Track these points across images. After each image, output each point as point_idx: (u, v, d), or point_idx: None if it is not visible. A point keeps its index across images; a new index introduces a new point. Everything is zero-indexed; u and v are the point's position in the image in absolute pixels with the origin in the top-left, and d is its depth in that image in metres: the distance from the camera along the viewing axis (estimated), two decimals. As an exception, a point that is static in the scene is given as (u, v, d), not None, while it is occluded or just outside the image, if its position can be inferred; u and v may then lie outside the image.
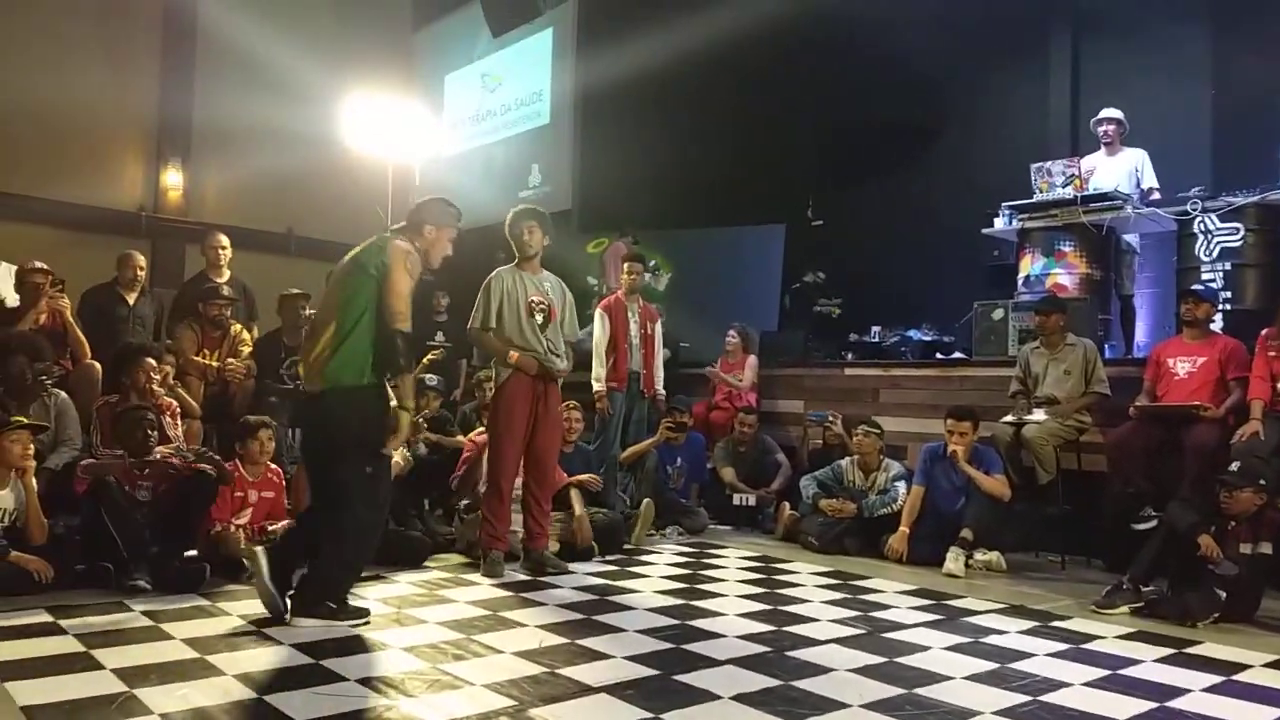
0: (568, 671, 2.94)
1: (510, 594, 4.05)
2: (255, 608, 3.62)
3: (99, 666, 2.84)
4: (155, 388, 4.92)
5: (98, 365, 5.24)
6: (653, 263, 9.05)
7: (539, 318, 4.63)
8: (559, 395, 4.77)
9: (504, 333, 4.60)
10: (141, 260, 6.19)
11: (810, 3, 8.39)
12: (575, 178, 9.46)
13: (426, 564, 4.60)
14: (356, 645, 3.19)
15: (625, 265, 6.22)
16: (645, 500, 5.62)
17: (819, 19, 8.57)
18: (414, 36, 11.60)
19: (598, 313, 6.03)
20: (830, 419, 6.29)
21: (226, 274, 6.43)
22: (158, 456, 4.25)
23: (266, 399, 5.69)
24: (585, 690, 2.77)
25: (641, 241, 8.76)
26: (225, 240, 6.51)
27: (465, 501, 5.07)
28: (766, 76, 9.16)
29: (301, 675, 2.84)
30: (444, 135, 10.62)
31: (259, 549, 3.48)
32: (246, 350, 5.93)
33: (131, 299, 6.09)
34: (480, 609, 3.73)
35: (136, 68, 9.66)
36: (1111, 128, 6.66)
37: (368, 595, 3.90)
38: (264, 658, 3.00)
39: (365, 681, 2.80)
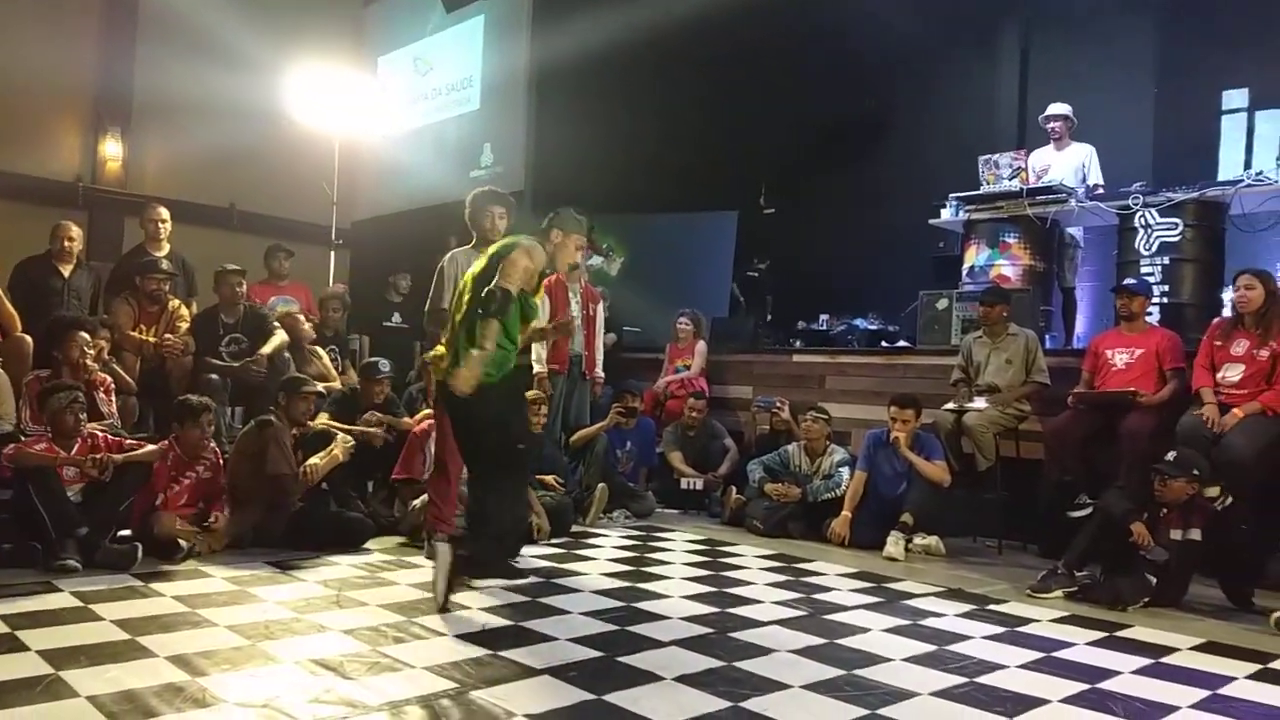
0: (510, 653, 2.92)
1: (454, 576, 4.01)
2: (188, 588, 3.55)
3: (25, 648, 2.76)
4: (89, 363, 4.78)
5: (29, 339, 5.07)
6: (605, 246, 9.02)
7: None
8: None
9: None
10: (74, 230, 5.99)
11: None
12: (529, 158, 9.36)
13: (368, 546, 4.54)
14: (295, 627, 3.14)
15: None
16: (600, 484, 5.63)
17: (775, 8, 8.57)
18: (364, 10, 11.38)
19: (542, 292, 5.98)
20: (778, 405, 6.34)
21: (165, 248, 6.26)
22: (86, 434, 4.12)
23: (205, 376, 5.55)
24: (528, 672, 2.76)
25: (595, 225, 8.72)
26: (165, 213, 6.33)
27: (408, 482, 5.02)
28: (722, 64, 9.14)
29: (237, 657, 2.78)
30: (394, 111, 10.44)
31: (443, 544, 3.46)
32: (184, 326, 5.79)
33: (66, 271, 5.90)
34: (423, 591, 3.69)
35: (74, 33, 9.31)
36: (1059, 124, 6.76)
37: (306, 578, 3.85)
38: (198, 640, 2.93)
39: (302, 664, 2.75)
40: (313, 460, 4.56)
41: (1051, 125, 6.79)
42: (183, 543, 4.05)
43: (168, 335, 5.66)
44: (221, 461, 4.46)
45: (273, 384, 5.10)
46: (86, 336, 4.78)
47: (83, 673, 2.56)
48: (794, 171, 9.10)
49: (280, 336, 5.89)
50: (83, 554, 3.77)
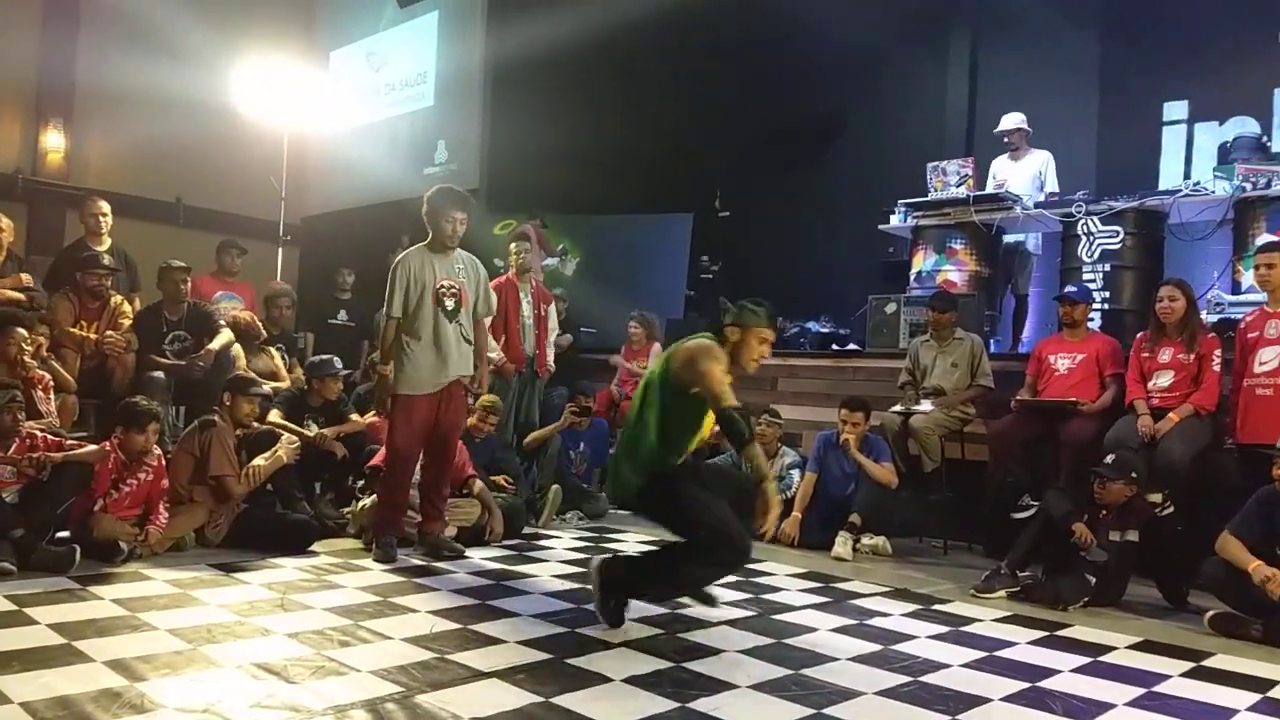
0: (459, 657, 2.90)
1: (403, 579, 3.97)
2: (128, 591, 3.47)
3: (-46, 654, 2.68)
4: (27, 360, 4.65)
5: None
6: (560, 247, 9.00)
7: (449, 303, 4.45)
8: (460, 388, 4.60)
9: (413, 322, 4.43)
10: (3, 222, 5.80)
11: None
12: (483, 156, 9.30)
13: (315, 549, 4.46)
14: (238, 631, 3.08)
15: (512, 245, 6.14)
16: (554, 485, 5.61)
17: (731, 13, 8.63)
18: (316, 4, 11.21)
19: (489, 291, 5.97)
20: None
21: (107, 242, 6.10)
22: (25, 434, 4.01)
23: (148, 374, 5.43)
24: (476, 675, 2.74)
25: (551, 225, 8.70)
26: (106, 207, 6.18)
27: (360, 483, 4.96)
28: (679, 67, 9.19)
29: (177, 662, 2.73)
30: (346, 106, 10.30)
31: (596, 567, 3.39)
32: (127, 323, 5.65)
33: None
34: (370, 595, 3.65)
35: (15, 21, 9.05)
36: (1015, 135, 6.87)
37: (250, 581, 3.78)
38: (137, 644, 2.87)
39: (245, 668, 2.70)
40: (256, 461, 4.48)
41: (1007, 139, 6.90)
42: (123, 545, 3.95)
43: (109, 332, 5.52)
44: (164, 464, 4.36)
45: (217, 383, 5.00)
46: (24, 333, 4.65)
47: (16, 679, 2.49)
48: (749, 175, 9.18)
49: (227, 334, 5.78)
50: (18, 556, 3.66)
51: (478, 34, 9.33)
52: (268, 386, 5.28)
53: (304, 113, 8.99)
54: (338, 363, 5.52)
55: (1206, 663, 3.31)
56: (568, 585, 4.01)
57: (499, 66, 9.14)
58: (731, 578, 4.35)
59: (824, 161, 9.07)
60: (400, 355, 4.45)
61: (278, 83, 8.59)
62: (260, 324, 6.22)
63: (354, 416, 5.43)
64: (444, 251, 4.52)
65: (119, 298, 5.76)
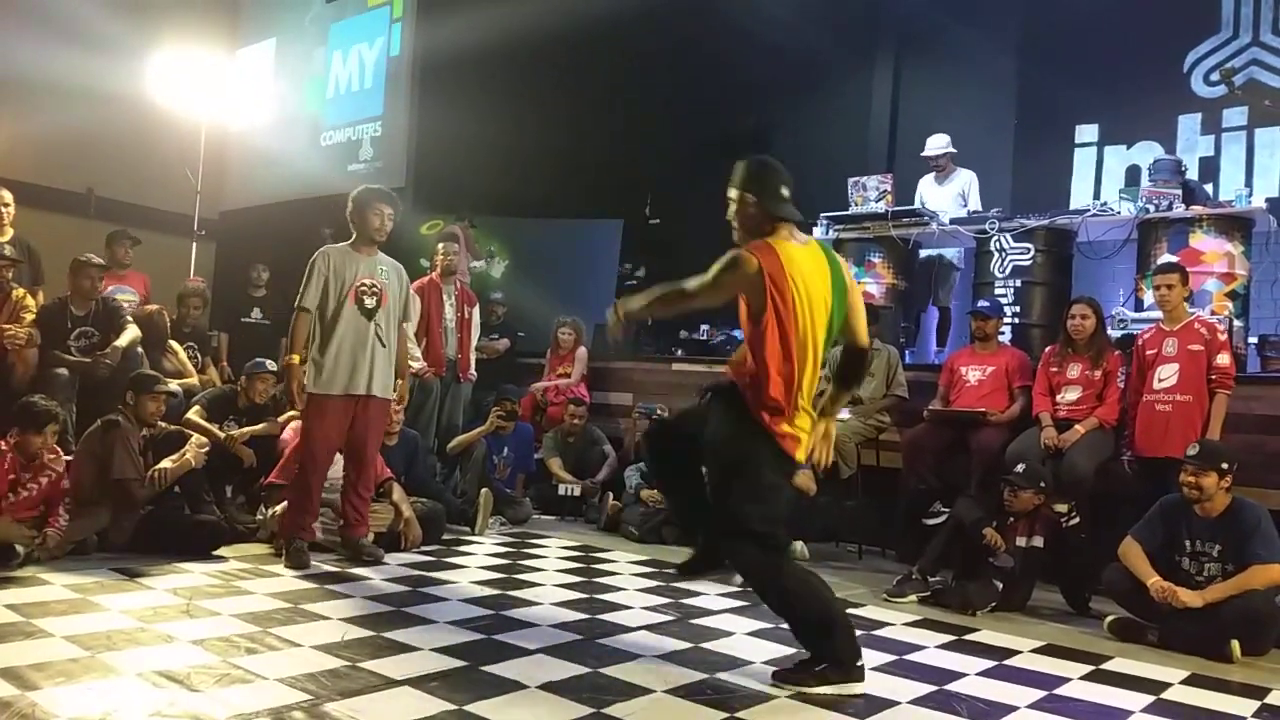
0: (370, 664, 2.85)
1: (315, 585, 3.88)
2: (24, 596, 3.33)
3: None
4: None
5: None
6: (489, 250, 8.93)
7: (369, 302, 4.39)
8: (383, 404, 4.52)
9: (330, 318, 4.34)
10: (6, 196, 5.49)
11: (659, 4, 8.49)
12: (410, 155, 9.18)
13: (224, 553, 4.33)
14: (140, 638, 2.98)
15: (440, 245, 6.06)
16: (483, 490, 5.56)
17: (662, 23, 8.69)
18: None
19: (410, 293, 5.90)
20: (659, 412, 6.40)
21: (9, 233, 5.83)
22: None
23: (52, 371, 5.21)
24: (388, 683, 2.70)
25: (479, 226, 8.62)
26: (8, 196, 5.90)
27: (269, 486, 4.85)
28: (610, 73, 9.22)
29: (73, 670, 2.62)
30: (268, 100, 10.06)
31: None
32: (30, 317, 5.40)
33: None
34: (280, 601, 3.56)
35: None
36: (942, 159, 7.01)
37: (155, 586, 3.66)
38: (31, 651, 2.75)
39: (146, 676, 2.61)
40: (163, 464, 4.33)
41: (934, 161, 7.05)
42: (19, 548, 3.77)
43: (8, 326, 5.28)
44: (65, 465, 4.17)
45: (122, 381, 4.82)
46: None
47: (-106, 690, 2.37)
48: (679, 183, 9.23)
49: (133, 330, 5.58)
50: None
51: (407, 30, 9.21)
52: (174, 384, 5.12)
53: (223, 106, 8.76)
54: (270, 364, 5.38)
55: (1105, 666, 3.44)
56: (486, 591, 3.97)
57: (426, 65, 9.04)
58: (650, 582, 4.39)
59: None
60: (313, 352, 4.35)
61: (196, 75, 8.36)
62: (167, 320, 6.04)
63: (270, 425, 5.30)
64: (368, 250, 4.47)
65: (20, 290, 5.51)
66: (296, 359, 4.34)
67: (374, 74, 9.48)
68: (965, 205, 6.83)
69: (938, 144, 7.01)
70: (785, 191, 2.97)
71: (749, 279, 2.85)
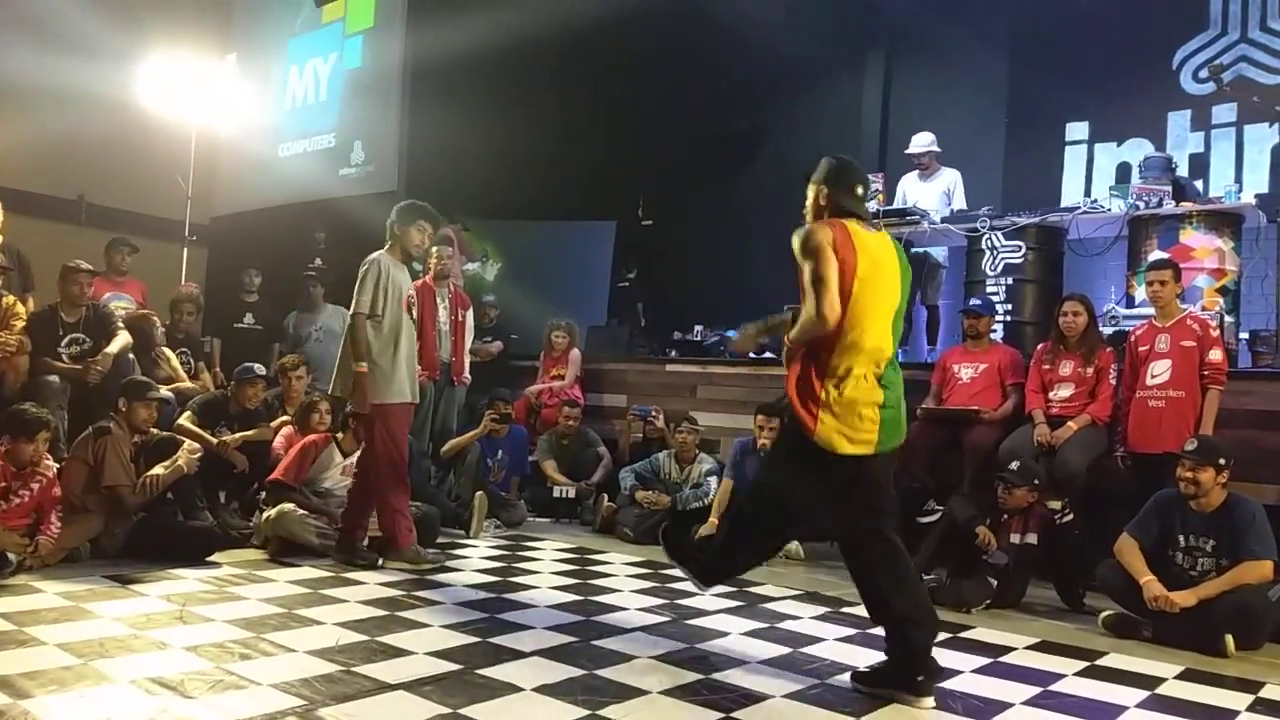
0: (365, 669, 2.84)
1: (309, 590, 3.87)
2: (16, 604, 3.32)
3: None
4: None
5: None
6: (481, 251, 8.92)
7: (413, 313, 4.58)
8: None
9: (385, 324, 4.42)
10: None
11: (651, 6, 8.50)
12: (402, 159, 9.16)
13: (217, 559, 4.32)
14: (133, 645, 2.97)
15: (434, 248, 6.07)
16: (478, 493, 5.56)
17: (656, 26, 8.70)
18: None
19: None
20: (653, 414, 6.41)
21: (-1, 239, 5.82)
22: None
23: (42, 378, 5.19)
24: (382, 688, 2.69)
25: (472, 229, 8.61)
26: (-2, 203, 5.88)
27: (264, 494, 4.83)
28: (604, 75, 9.22)
29: (66, 678, 2.61)
30: (259, 104, 10.03)
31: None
32: (20, 324, 5.37)
33: None
34: (274, 606, 3.55)
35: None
36: (926, 157, 7.06)
37: (148, 592, 3.65)
38: (24, 659, 2.74)
39: (139, 683, 2.60)
40: (155, 470, 4.31)
41: (919, 159, 7.08)
42: (11, 556, 3.77)
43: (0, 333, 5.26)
44: (56, 472, 4.16)
45: (113, 387, 4.80)
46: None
47: (-115, 700, 2.36)
48: (671, 184, 9.25)
49: (125, 337, 5.56)
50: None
51: (398, 33, 9.19)
52: (165, 391, 5.11)
53: (214, 111, 8.73)
54: (259, 369, 5.37)
55: (1100, 662, 3.45)
56: (481, 595, 3.97)
57: (418, 68, 9.03)
58: (645, 583, 4.39)
59: (745, 173, 9.19)
60: (378, 360, 4.40)
61: (188, 79, 8.33)
62: (159, 326, 6.02)
63: (264, 430, 5.29)
64: (404, 263, 4.62)
65: (11, 298, 5.49)
66: (365, 368, 4.35)
67: (365, 76, 9.46)
68: (950, 204, 6.85)
69: (922, 142, 7.05)
70: (859, 190, 3.10)
71: (828, 240, 2.90)
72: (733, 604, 4.04)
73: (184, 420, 5.12)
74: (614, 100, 9.31)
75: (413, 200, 4.68)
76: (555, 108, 9.16)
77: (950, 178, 7.01)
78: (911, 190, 7.02)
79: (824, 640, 3.51)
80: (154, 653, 2.91)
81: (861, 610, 3.99)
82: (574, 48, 8.55)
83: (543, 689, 2.75)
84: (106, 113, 8.66)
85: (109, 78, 8.53)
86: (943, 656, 3.36)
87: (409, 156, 9.08)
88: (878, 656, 3.30)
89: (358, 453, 4.75)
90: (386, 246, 4.55)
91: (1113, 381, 4.90)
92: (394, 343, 4.43)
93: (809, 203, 3.15)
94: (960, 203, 6.88)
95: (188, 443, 4.60)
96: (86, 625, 3.15)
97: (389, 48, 9.23)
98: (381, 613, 3.56)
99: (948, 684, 3.05)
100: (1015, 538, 4.29)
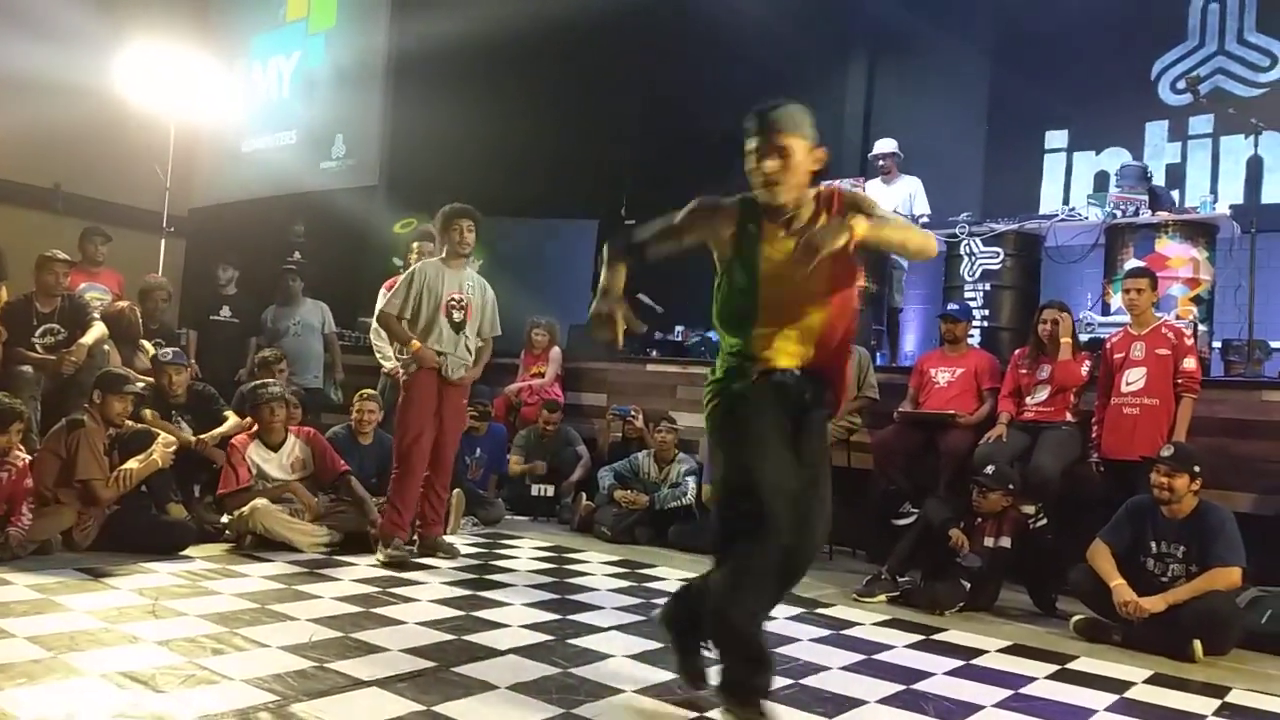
0: (338, 665, 2.83)
1: (282, 586, 3.85)
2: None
3: None
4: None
5: None
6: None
7: (456, 315, 4.69)
8: (461, 390, 4.84)
9: (415, 327, 4.64)
10: None
11: (635, 3, 8.50)
12: (384, 153, 9.12)
13: (191, 553, 4.28)
14: (104, 638, 2.94)
15: (415, 243, 6.07)
16: (455, 490, 5.54)
17: (641, 23, 8.70)
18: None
19: (381, 291, 5.90)
20: (633, 413, 6.41)
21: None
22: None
23: (15, 368, 5.13)
24: (355, 684, 2.68)
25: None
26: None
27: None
28: (589, 73, 9.19)
29: (35, 671, 2.58)
30: (239, 95, 9.95)
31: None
32: (-7, 314, 5.33)
33: None
34: (248, 601, 3.53)
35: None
36: (888, 160, 7.12)
37: (120, 586, 3.61)
38: (-10, 653, 2.71)
39: (109, 677, 2.58)
40: (129, 465, 4.26)
41: (880, 163, 7.15)
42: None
43: (-30, 323, 5.20)
44: (28, 463, 4.10)
45: (87, 379, 4.75)
46: None
47: None
48: (654, 184, 9.21)
49: (100, 328, 5.50)
50: None
51: (380, 26, 9.16)
52: (142, 384, 5.05)
53: (194, 101, 8.66)
54: (170, 353, 5.28)
55: (1070, 665, 3.48)
56: (457, 592, 3.95)
57: (401, 61, 8.99)
58: (622, 582, 4.39)
59: (728, 174, 9.16)
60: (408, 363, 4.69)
61: (167, 69, 8.25)
62: (139, 316, 5.95)
63: (229, 415, 5.24)
64: (457, 264, 4.77)
65: (-17, 287, 5.44)
66: (417, 344, 4.61)
67: (347, 69, 9.41)
68: (911, 210, 6.91)
69: (884, 147, 7.12)
70: None
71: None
72: (709, 604, 4.04)
73: (148, 415, 5.03)
74: (599, 97, 9.29)
75: (453, 203, 4.83)
76: (538, 105, 9.14)
77: (911, 185, 7.08)
78: (875, 195, 7.07)
79: (799, 640, 3.52)
80: (125, 647, 2.88)
81: (836, 612, 4.04)
82: (558, 43, 8.53)
83: (518, 687, 2.75)
84: (84, 101, 8.57)
85: (87, 66, 8.43)
86: (916, 659, 3.41)
87: (390, 150, 9.05)
88: (852, 658, 3.34)
89: (292, 444, 4.90)
90: (441, 254, 4.81)
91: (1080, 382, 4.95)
92: (425, 339, 4.65)
93: (794, 165, 2.73)
94: (922, 208, 6.94)
95: (162, 436, 4.55)
96: (57, 618, 3.12)
97: (371, 40, 9.20)
98: (356, 609, 3.54)
99: (920, 685, 3.08)
100: (989, 541, 4.32)
